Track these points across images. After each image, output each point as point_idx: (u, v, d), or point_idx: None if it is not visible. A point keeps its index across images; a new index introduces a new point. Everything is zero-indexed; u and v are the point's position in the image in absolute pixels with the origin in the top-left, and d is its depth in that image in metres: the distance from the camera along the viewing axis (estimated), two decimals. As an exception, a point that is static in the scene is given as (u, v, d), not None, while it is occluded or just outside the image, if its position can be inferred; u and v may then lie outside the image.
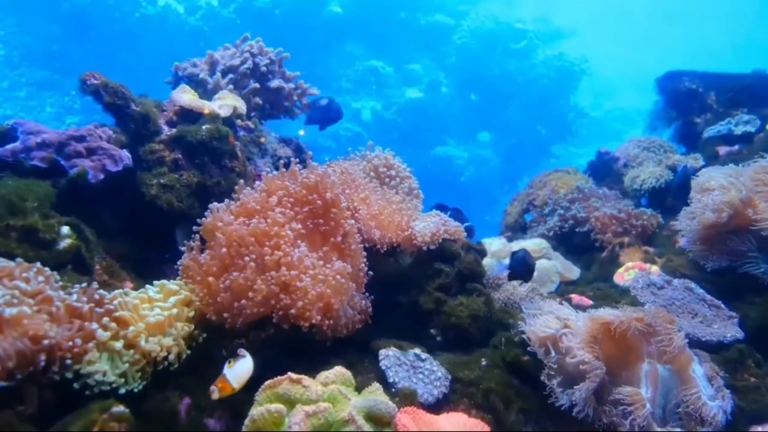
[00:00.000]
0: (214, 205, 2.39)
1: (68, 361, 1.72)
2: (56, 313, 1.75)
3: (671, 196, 3.41)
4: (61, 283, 1.91)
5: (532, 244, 3.74)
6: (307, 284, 2.11)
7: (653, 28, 26.93)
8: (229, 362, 1.82)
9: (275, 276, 2.11)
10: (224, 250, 2.19)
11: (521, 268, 2.78)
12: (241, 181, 2.58)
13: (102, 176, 2.58)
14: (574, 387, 1.97)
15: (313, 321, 2.11)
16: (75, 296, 1.86)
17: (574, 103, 17.48)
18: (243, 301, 2.10)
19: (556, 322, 2.18)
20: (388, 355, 2.22)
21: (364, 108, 16.36)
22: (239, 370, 1.81)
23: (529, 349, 2.22)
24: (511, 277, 2.92)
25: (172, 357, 1.96)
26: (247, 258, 2.15)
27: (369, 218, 2.67)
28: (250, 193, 2.46)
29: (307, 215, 2.42)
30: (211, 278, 2.16)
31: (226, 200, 2.45)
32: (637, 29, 27.00)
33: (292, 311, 2.10)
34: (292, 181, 2.51)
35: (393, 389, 2.07)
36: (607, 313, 2.13)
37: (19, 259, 1.87)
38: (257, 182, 2.64)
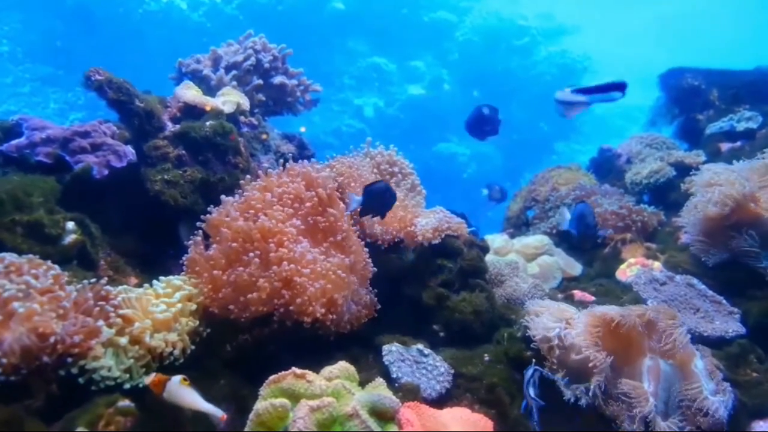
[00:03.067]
0: (227, 198, 2.40)
1: (70, 359, 1.74)
2: (64, 310, 1.77)
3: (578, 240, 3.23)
4: (66, 280, 1.92)
5: (534, 240, 3.74)
6: (305, 281, 2.12)
7: (656, 24, 26.86)
8: (186, 379, 1.73)
9: (277, 271, 2.12)
10: (234, 244, 2.20)
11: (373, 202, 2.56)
12: (248, 176, 2.59)
13: (106, 172, 2.59)
14: (580, 382, 1.99)
15: (317, 315, 2.12)
16: (82, 292, 1.88)
17: (577, 100, 17.43)
18: (248, 297, 2.11)
19: (559, 319, 2.20)
20: (392, 351, 2.23)
21: (367, 105, 16.37)
22: (183, 393, 1.71)
23: (532, 345, 2.23)
24: (363, 213, 2.61)
25: (177, 352, 1.98)
26: (251, 254, 2.17)
27: (372, 214, 2.68)
28: (251, 189, 2.48)
29: (306, 212, 2.43)
30: (216, 272, 2.18)
31: (236, 195, 2.47)
32: (640, 26, 26.95)
33: (292, 308, 2.11)
34: (290, 178, 2.52)
35: (396, 384, 2.09)
36: (609, 310, 2.14)
37: (31, 256, 1.89)
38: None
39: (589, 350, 1.98)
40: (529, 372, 2.08)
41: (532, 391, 2.02)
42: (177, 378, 1.72)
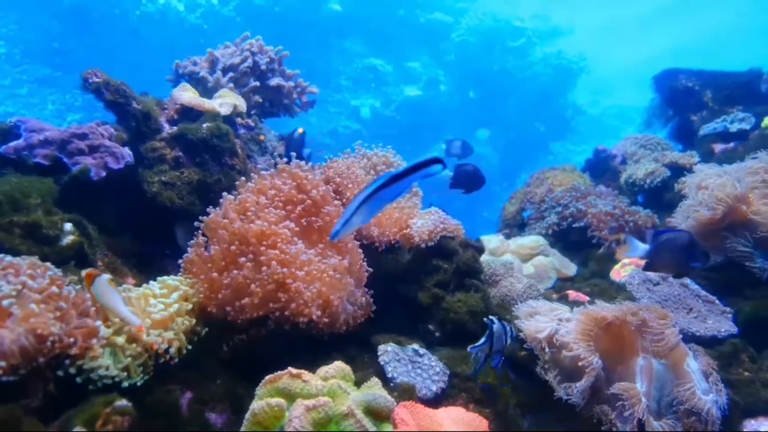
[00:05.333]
0: (226, 197, 2.42)
1: (68, 360, 1.75)
2: (62, 311, 1.78)
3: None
4: (67, 281, 1.93)
5: (530, 240, 3.76)
6: (300, 285, 2.13)
7: (651, 25, 26.93)
8: (113, 280, 1.82)
9: (269, 273, 2.13)
10: (233, 247, 2.21)
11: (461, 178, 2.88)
12: (243, 178, 2.60)
13: (104, 173, 2.60)
14: (572, 382, 2.00)
15: (313, 317, 2.13)
16: (81, 293, 1.89)
17: (572, 101, 17.52)
18: (244, 301, 2.13)
19: (552, 318, 2.21)
20: (387, 351, 2.24)
21: (363, 105, 16.37)
22: (107, 292, 1.80)
23: (525, 345, 2.25)
24: (451, 187, 3.01)
25: (173, 350, 1.99)
26: (243, 258, 2.18)
27: (368, 215, 2.69)
28: (246, 190, 2.49)
29: (300, 213, 2.44)
30: (214, 274, 2.19)
31: (232, 196, 2.48)
32: (635, 27, 27.01)
33: (286, 312, 2.12)
34: (282, 180, 2.53)
35: (392, 384, 2.10)
36: (602, 308, 2.16)
37: (31, 258, 1.90)
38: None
39: (580, 349, 2.00)
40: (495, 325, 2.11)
41: (482, 341, 2.08)
42: (107, 276, 1.81)
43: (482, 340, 2.08)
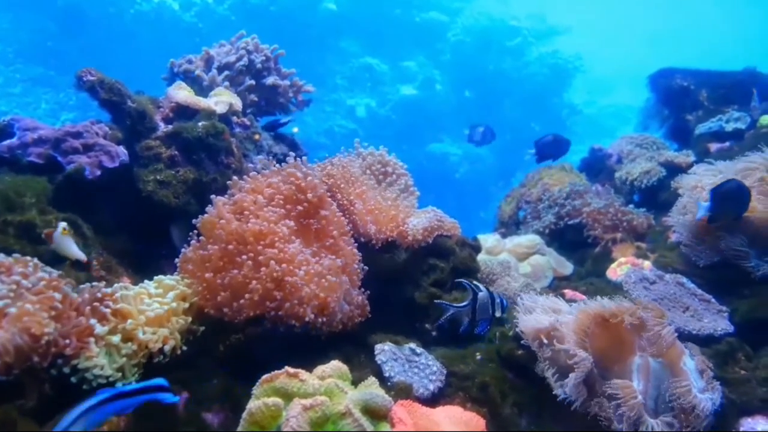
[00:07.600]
0: (218, 198, 2.40)
1: (61, 360, 1.74)
2: (57, 310, 1.77)
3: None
4: (63, 282, 1.92)
5: (526, 240, 3.76)
6: (297, 281, 2.12)
7: (647, 25, 27.02)
8: (65, 229, 2.15)
9: (267, 272, 2.13)
10: (230, 246, 2.20)
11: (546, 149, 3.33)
12: (235, 177, 2.59)
13: (99, 172, 2.59)
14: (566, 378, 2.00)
15: (306, 319, 2.13)
16: (76, 293, 1.88)
17: (568, 100, 17.55)
18: (242, 301, 2.12)
19: (549, 315, 2.21)
20: (384, 350, 2.24)
21: (359, 105, 16.37)
22: (61, 241, 2.14)
23: (522, 342, 2.24)
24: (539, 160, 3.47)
25: (167, 349, 1.97)
26: (244, 257, 2.17)
27: (365, 213, 2.69)
28: (240, 189, 2.48)
29: (298, 213, 2.43)
30: (209, 274, 2.18)
31: (227, 196, 2.47)
32: (631, 26, 27.09)
33: (281, 312, 2.12)
34: (280, 178, 2.52)
35: (389, 383, 2.09)
36: (598, 304, 2.16)
37: (16, 255, 1.88)
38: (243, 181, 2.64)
39: (570, 344, 2.00)
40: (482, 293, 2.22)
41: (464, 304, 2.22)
42: (60, 228, 2.14)
43: (464, 303, 2.11)
